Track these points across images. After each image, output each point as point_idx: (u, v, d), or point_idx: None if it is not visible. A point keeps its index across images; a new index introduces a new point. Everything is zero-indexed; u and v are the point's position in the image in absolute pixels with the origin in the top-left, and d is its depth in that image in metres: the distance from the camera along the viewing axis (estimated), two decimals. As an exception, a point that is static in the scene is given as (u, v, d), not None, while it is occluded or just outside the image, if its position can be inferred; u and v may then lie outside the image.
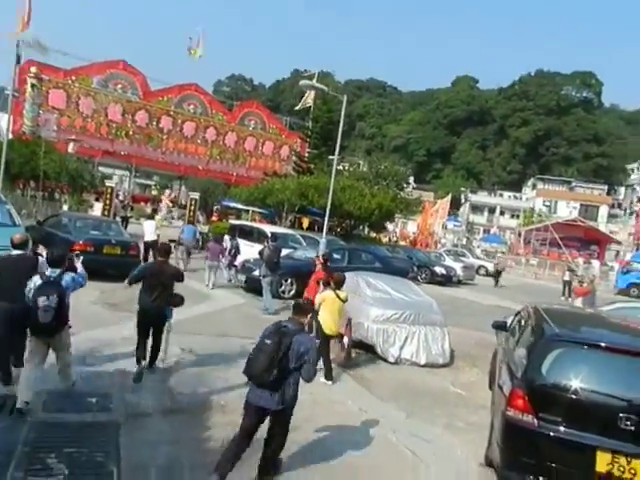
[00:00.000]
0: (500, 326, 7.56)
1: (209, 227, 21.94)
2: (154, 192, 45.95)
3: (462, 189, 60.83)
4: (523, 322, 6.30)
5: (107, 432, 5.25)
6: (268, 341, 4.30)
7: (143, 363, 6.74)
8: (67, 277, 5.47)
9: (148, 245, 15.56)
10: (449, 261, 24.52)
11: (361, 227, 29.35)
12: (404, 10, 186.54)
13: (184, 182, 37.08)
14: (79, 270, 5.88)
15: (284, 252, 16.09)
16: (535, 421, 4.34)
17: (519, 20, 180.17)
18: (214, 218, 29.96)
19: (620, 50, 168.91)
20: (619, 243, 58.23)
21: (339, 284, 7.76)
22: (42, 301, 5.11)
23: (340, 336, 8.75)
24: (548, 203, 66.78)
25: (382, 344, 8.94)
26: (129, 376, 6.61)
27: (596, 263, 41.78)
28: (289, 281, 13.90)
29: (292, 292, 13.92)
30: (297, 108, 44.82)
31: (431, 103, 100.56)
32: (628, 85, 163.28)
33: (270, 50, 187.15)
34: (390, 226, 33.85)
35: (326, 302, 7.57)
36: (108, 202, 20.63)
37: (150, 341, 6.87)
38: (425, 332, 9.10)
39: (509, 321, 7.54)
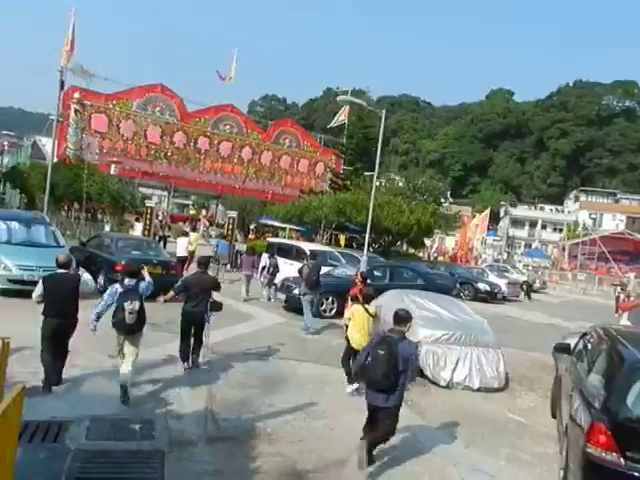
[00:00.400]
0: (563, 349, 7.02)
1: (247, 245, 21.88)
2: (192, 211, 46.63)
3: (502, 202, 59.31)
4: (592, 345, 5.80)
5: (152, 462, 5.05)
6: (381, 351, 4.98)
7: (185, 364, 7.72)
8: (142, 285, 6.60)
9: (180, 260, 16.40)
10: (492, 277, 23.74)
11: (399, 243, 28.85)
12: (434, 25, 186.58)
13: (221, 201, 37.40)
14: (147, 279, 6.83)
15: (324, 270, 15.85)
16: (621, 460, 3.87)
17: (554, 31, 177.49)
18: (251, 236, 30.07)
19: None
20: (670, 256, 55.64)
21: (368, 299, 7.88)
22: (127, 305, 6.18)
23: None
24: (594, 215, 64.43)
25: (432, 367, 8.48)
26: (171, 401, 6.41)
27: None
28: (330, 299, 13.57)
29: (333, 310, 13.60)
30: (331, 125, 44.97)
31: (465, 117, 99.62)
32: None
33: (302, 69, 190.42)
34: (428, 242, 33.24)
35: (355, 317, 7.69)
36: (148, 222, 20.83)
37: (192, 342, 7.85)
38: (478, 354, 8.61)
39: (572, 343, 7.01)
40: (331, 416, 6.62)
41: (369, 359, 5.09)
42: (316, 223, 24.51)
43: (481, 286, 21.41)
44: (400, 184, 32.15)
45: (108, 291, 6.45)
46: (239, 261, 20.35)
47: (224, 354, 8.83)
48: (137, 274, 6.69)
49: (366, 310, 7.69)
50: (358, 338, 7.50)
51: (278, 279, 15.33)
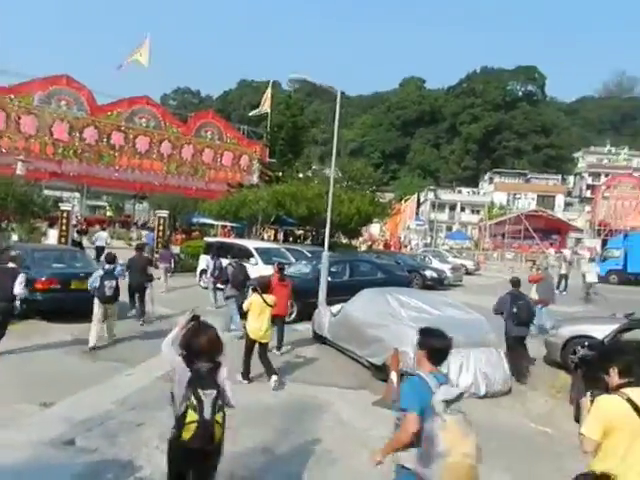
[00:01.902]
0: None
1: (180, 247, 20.04)
2: (109, 213, 43.14)
3: (431, 188, 60.19)
4: None
5: None
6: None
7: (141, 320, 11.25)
8: (118, 269, 9.43)
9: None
10: (436, 263, 23.44)
11: (336, 234, 27.99)
12: (343, 15, 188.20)
13: (147, 200, 34.63)
14: (120, 263, 9.90)
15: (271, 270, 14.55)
16: None
17: (459, 19, 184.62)
18: (178, 236, 27.97)
19: (554, 44, 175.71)
20: (580, 231, 59.33)
21: (265, 288, 7.84)
22: (107, 282, 8.94)
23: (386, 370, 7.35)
24: (517, 195, 67.16)
25: (434, 375, 7.48)
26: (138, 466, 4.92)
27: (567, 252, 41.96)
28: (289, 303, 12.28)
29: (293, 315, 12.34)
30: (253, 114, 43.33)
31: (381, 106, 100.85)
32: (564, 77, 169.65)
33: (215, 61, 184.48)
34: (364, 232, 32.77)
35: (253, 307, 7.59)
36: (65, 228, 18.38)
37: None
38: (481, 356, 7.72)
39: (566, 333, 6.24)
40: (345, 457, 5.42)
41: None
42: (252, 218, 23.02)
43: (428, 273, 20.95)
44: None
45: (94, 275, 9.12)
46: (173, 265, 18.55)
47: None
48: (114, 261, 9.44)
49: (264, 300, 7.59)
50: (256, 328, 7.46)
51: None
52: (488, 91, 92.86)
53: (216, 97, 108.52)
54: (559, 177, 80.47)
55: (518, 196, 63.41)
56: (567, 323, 9.27)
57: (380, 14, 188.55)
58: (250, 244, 16.68)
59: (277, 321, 8.78)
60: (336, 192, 23.42)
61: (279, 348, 9.31)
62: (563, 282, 24.36)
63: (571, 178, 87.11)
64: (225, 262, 15.38)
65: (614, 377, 3.13)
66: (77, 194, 38.52)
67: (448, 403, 3.08)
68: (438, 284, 20.95)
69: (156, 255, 17.79)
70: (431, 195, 68.44)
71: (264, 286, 7.88)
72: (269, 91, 41.30)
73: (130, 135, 35.16)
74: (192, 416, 3.22)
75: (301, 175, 27.86)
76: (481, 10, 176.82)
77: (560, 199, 72.01)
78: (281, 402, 6.97)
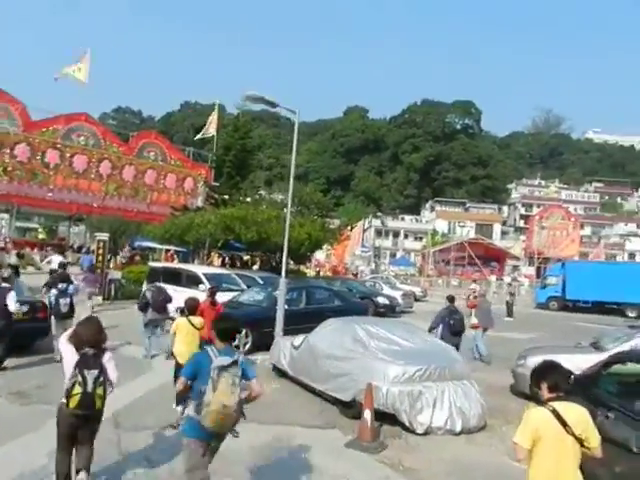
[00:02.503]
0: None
1: (122, 272, 18.77)
2: (40, 235, 40.45)
3: (378, 214, 60.65)
4: None
5: None
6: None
7: None
8: (71, 288, 10.19)
9: None
10: (387, 290, 23.24)
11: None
12: (289, 42, 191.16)
13: (85, 222, 32.59)
14: (74, 282, 10.80)
15: (225, 297, 13.78)
16: None
17: (402, 51, 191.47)
18: (116, 262, 26.39)
19: (488, 81, 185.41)
20: (517, 258, 61.60)
21: (191, 310, 7.66)
22: (62, 301, 9.82)
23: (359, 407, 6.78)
24: (461, 223, 68.92)
25: (408, 411, 6.97)
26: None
27: (507, 279, 43.22)
28: (243, 332, 11.52)
29: (247, 345, 11.58)
30: (198, 137, 42.31)
31: (325, 133, 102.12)
32: (496, 113, 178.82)
33: (157, 82, 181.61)
34: (314, 258, 32.28)
35: (179, 330, 7.39)
36: (-9, 251, 16.81)
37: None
38: (455, 389, 7.29)
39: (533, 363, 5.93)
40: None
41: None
42: (198, 243, 22.02)
43: (380, 300, 20.67)
44: (279, 198, 30.52)
45: (49, 293, 10.05)
46: (113, 292, 17.34)
47: (137, 428, 6.49)
48: (68, 280, 10.32)
49: (190, 322, 7.43)
50: (184, 352, 6.92)
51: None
52: (428, 122, 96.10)
53: (158, 118, 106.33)
54: (496, 207, 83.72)
55: (462, 224, 65.16)
56: (534, 353, 9.05)
57: (324, 42, 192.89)
58: (199, 270, 15.78)
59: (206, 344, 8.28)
60: (285, 216, 23.03)
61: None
62: (508, 309, 24.94)
63: (505, 208, 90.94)
64: (170, 289, 14.47)
65: (544, 392, 3.58)
66: (6, 215, 35.95)
67: (222, 368, 3.92)
68: (390, 311, 20.70)
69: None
70: (376, 222, 69.33)
71: (191, 308, 7.70)
72: (215, 113, 40.51)
73: (67, 153, 33.28)
74: (77, 389, 4.21)
75: (249, 199, 27.14)
76: (420, 45, 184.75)
77: (497, 228, 74.78)
78: (240, 447, 6.04)
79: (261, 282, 17.17)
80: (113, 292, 17.10)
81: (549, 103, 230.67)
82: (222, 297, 13.99)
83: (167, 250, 25.70)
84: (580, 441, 3.38)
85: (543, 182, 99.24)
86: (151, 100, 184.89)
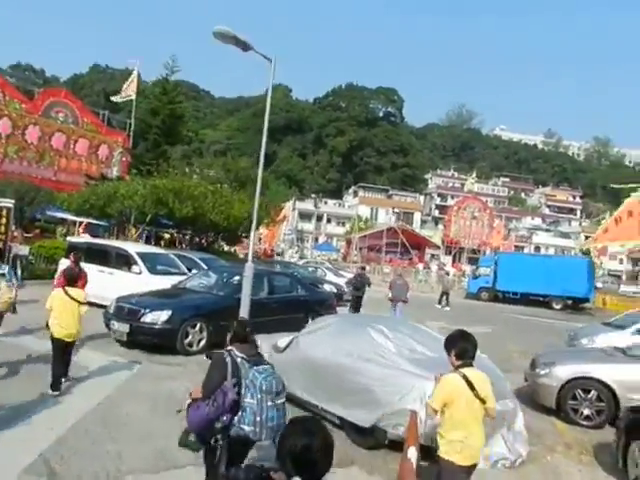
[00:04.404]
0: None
1: (30, 248, 15.58)
2: None
3: (313, 196, 58.95)
4: None
5: None
6: None
7: None
8: None
9: None
10: (331, 276, 21.65)
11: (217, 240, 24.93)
12: (210, 12, 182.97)
13: None
14: None
15: (162, 280, 11.62)
16: None
17: (325, 33, 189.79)
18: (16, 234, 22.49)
19: (408, 69, 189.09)
20: (438, 247, 62.71)
21: (70, 280, 6.97)
22: None
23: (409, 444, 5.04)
24: (397, 212, 68.86)
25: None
26: None
27: (434, 267, 43.38)
28: (198, 327, 9.38)
29: (202, 343, 9.46)
30: (116, 99, 38.22)
31: (245, 110, 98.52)
32: (414, 103, 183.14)
33: (63, 39, 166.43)
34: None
35: (55, 301, 6.69)
36: None
37: None
38: (501, 415, 5.77)
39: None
40: None
41: None
42: (122, 216, 19.10)
43: (327, 288, 19.01)
44: (211, 173, 27.77)
45: None
46: (19, 271, 14.28)
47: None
48: None
49: (66, 292, 6.65)
50: (57, 327, 6.55)
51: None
52: (352, 107, 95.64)
53: (64, 79, 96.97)
54: (416, 195, 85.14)
55: (396, 211, 65.37)
56: (561, 360, 7.77)
57: (251, 16, 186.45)
58: (131, 248, 13.21)
59: None
60: (224, 193, 20.68)
61: None
62: (444, 299, 24.52)
63: (421, 198, 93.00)
64: (93, 269, 11.95)
65: (453, 359, 3.97)
66: None
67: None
68: (337, 299, 19.13)
69: None
70: (300, 204, 67.65)
71: (70, 278, 6.98)
72: (135, 74, 36.61)
73: (-44, 106, 28.34)
74: None
75: (177, 171, 24.23)
76: (348, 29, 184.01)
77: (417, 216, 75.90)
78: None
79: (201, 264, 14.94)
80: (19, 271, 14.05)
81: (462, 98, 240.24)
82: (161, 281, 11.79)
83: (80, 223, 22.31)
84: (483, 402, 3.80)
85: (456, 174, 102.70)
86: (56, 59, 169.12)
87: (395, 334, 6.48)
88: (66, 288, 6.75)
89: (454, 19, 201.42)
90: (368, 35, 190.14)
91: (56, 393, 6.51)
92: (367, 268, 20.14)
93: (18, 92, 32.84)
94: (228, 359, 3.76)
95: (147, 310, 8.97)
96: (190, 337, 9.24)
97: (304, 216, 69.23)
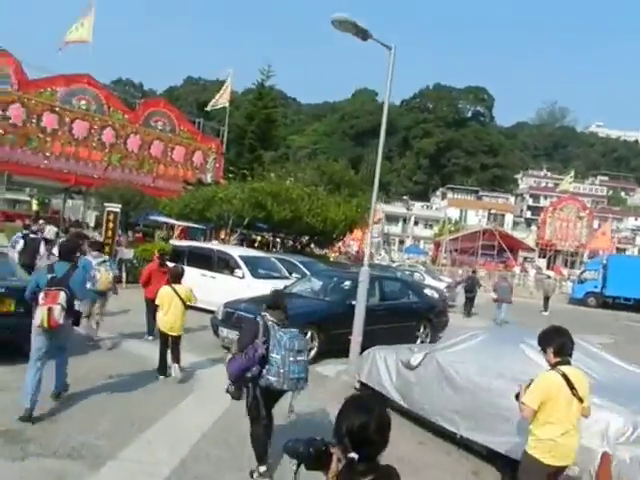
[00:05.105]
0: None
1: (134, 251, 15.93)
2: (35, 207, 37.27)
3: (404, 197, 57.46)
4: None
5: None
6: None
7: None
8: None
9: None
10: (430, 280, 20.52)
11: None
12: (290, 23, 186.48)
13: (91, 192, 29.08)
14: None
15: (264, 284, 11.10)
16: None
17: (411, 34, 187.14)
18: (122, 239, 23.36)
19: (497, 68, 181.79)
20: (532, 250, 59.09)
21: (176, 277, 7.42)
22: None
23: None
24: (491, 213, 66.11)
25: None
26: None
27: (532, 271, 40.70)
28: (309, 335, 8.78)
29: (313, 352, 8.83)
30: (210, 107, 39.26)
31: (331, 115, 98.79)
32: (503, 102, 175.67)
33: (159, 55, 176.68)
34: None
35: (162, 299, 7.18)
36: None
37: None
38: None
39: None
40: None
41: None
42: (220, 220, 19.16)
43: (429, 293, 17.90)
44: (306, 175, 27.35)
45: None
46: (124, 274, 14.54)
47: None
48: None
49: (174, 290, 7.16)
50: (165, 322, 7.11)
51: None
52: (440, 108, 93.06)
53: (161, 92, 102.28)
54: (507, 196, 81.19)
55: (479, 214, 62.52)
56: None
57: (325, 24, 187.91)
58: (234, 251, 12.96)
59: (153, 304, 8.07)
60: (319, 195, 20.21)
61: (149, 333, 9.13)
62: (545, 303, 23.03)
63: (512, 198, 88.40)
64: (196, 273, 11.81)
65: (550, 356, 3.77)
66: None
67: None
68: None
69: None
70: (386, 207, 66.47)
71: (176, 275, 7.46)
72: (229, 83, 37.45)
73: (66, 118, 30.11)
74: None
75: (272, 174, 24.13)
76: (433, 29, 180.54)
77: (509, 218, 72.20)
78: None
79: (302, 268, 14.46)
80: (124, 274, 14.28)
81: (554, 95, 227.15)
82: (264, 285, 11.34)
83: (179, 227, 22.79)
84: (581, 401, 3.62)
85: (549, 174, 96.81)
86: (153, 74, 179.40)
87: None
88: (173, 285, 7.25)
89: (541, 14, 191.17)
90: (454, 33, 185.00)
91: (162, 377, 7.16)
92: (477, 272, 22.13)
93: (120, 103, 34.57)
94: (261, 322, 4.52)
95: (250, 315, 8.47)
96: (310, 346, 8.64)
97: (391, 219, 67.90)
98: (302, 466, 2.02)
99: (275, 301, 4.79)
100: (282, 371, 4.34)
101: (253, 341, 4.39)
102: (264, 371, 4.36)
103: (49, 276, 5.26)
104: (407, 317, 10.46)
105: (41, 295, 5.15)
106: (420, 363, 6.19)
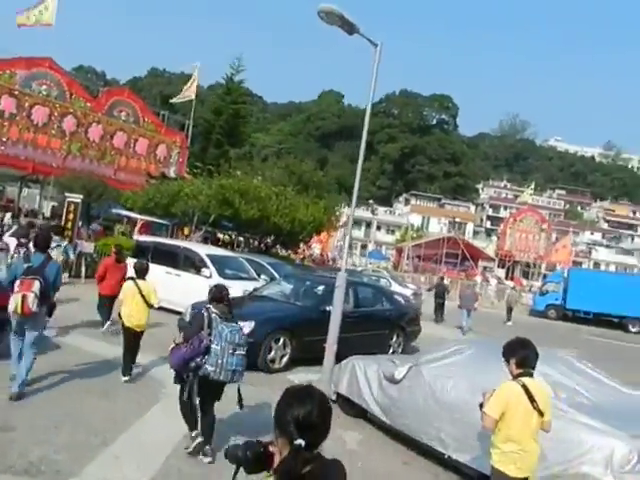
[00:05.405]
0: None
1: (95, 245, 15.12)
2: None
3: (369, 201, 57.07)
4: None
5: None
6: None
7: None
8: None
9: None
10: (396, 287, 20.44)
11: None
12: (262, 22, 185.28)
13: (53, 180, 27.50)
14: None
15: (232, 286, 10.66)
16: None
17: (380, 39, 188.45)
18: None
19: (464, 79, 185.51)
20: (492, 259, 60.27)
21: (140, 273, 7.25)
22: None
23: None
24: (452, 222, 66.68)
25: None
26: None
27: (493, 281, 41.43)
28: (281, 341, 8.42)
29: (285, 359, 8.49)
30: (175, 100, 38.23)
31: (296, 115, 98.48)
32: (466, 112, 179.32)
33: (124, 44, 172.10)
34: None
35: (125, 293, 7.13)
36: None
37: None
38: None
39: None
40: None
41: None
42: (184, 217, 18.53)
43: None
44: (274, 174, 26.85)
45: None
46: (83, 268, 13.80)
47: None
48: None
49: (137, 286, 7.04)
50: (129, 315, 6.98)
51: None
52: (405, 114, 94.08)
53: (124, 82, 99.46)
54: (469, 205, 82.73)
55: (441, 221, 63.25)
56: None
57: (299, 24, 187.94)
58: (201, 249, 12.46)
59: (107, 300, 9.20)
60: (288, 195, 19.84)
61: (103, 324, 9.35)
62: (507, 314, 23.31)
63: (472, 207, 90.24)
64: (160, 270, 11.30)
65: (512, 367, 3.76)
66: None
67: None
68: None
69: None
70: (350, 211, 66.48)
71: (140, 271, 7.29)
72: (195, 76, 36.58)
73: (25, 103, 28.69)
74: None
75: (239, 172, 23.58)
76: (401, 35, 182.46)
77: (470, 227, 73.54)
78: None
79: (269, 269, 14.07)
80: (83, 268, 13.53)
81: (515, 108, 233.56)
82: (232, 286, 10.92)
83: (140, 220, 21.93)
84: (542, 414, 3.61)
85: (509, 185, 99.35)
86: (116, 63, 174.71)
87: (544, 368, 5.27)
88: (136, 280, 7.11)
89: (508, 28, 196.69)
90: (422, 40, 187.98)
91: (126, 378, 6.94)
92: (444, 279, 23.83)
93: (83, 90, 33.23)
94: (205, 314, 4.76)
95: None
96: (273, 352, 8.29)
97: (354, 223, 68.01)
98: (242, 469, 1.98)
99: (219, 295, 4.97)
100: (220, 362, 4.56)
101: (199, 332, 4.61)
102: (203, 360, 4.58)
103: (25, 266, 5.48)
104: (380, 325, 10.24)
105: (17, 283, 5.38)
106: (404, 377, 5.93)
